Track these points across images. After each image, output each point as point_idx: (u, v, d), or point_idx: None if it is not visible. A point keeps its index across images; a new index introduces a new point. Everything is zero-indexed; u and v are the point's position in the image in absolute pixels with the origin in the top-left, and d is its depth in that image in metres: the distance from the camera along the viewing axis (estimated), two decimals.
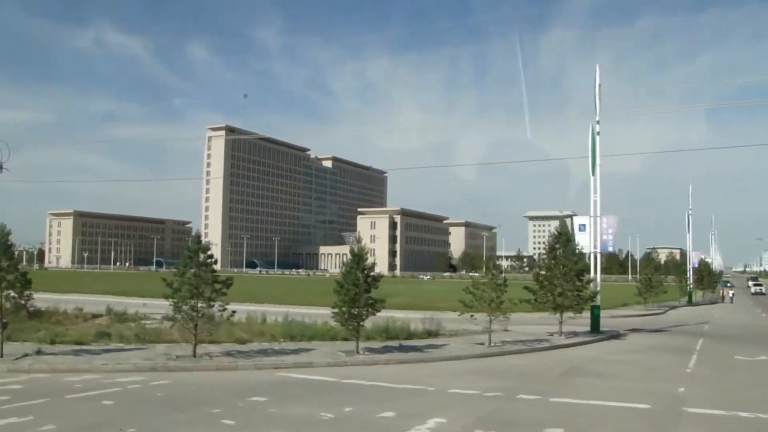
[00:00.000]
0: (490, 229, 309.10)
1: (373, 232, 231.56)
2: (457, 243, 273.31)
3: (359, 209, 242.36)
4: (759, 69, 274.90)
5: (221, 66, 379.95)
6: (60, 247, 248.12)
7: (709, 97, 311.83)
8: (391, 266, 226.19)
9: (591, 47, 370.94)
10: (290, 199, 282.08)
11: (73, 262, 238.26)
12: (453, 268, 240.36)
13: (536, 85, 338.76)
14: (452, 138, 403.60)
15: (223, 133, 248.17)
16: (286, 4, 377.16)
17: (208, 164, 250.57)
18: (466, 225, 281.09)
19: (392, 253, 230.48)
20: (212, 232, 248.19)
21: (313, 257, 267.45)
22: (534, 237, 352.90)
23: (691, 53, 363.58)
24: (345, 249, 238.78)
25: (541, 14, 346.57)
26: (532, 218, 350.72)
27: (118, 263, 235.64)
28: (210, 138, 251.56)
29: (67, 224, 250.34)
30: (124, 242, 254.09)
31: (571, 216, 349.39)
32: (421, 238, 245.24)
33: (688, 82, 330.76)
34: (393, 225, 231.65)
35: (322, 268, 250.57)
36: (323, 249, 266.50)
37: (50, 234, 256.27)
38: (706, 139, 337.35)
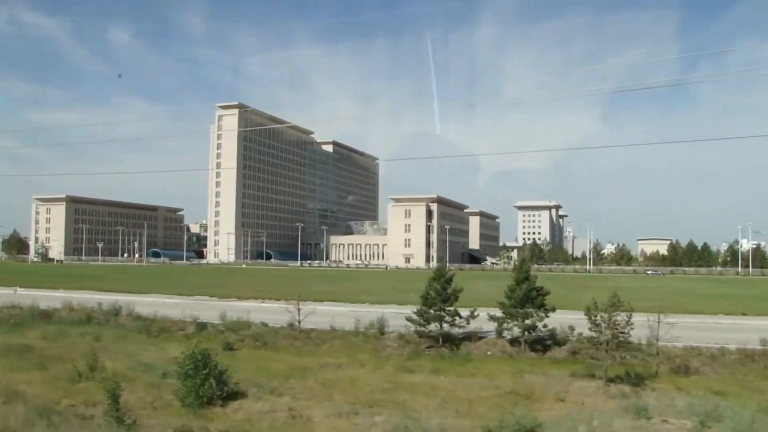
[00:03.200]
0: (494, 218, 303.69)
1: (408, 221, 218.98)
2: (472, 233, 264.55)
3: (391, 197, 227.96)
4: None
5: (144, 50, 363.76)
6: (50, 236, 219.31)
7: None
8: (428, 258, 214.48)
9: (510, 44, 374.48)
10: (296, 185, 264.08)
11: (68, 253, 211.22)
12: (476, 260, 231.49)
13: (458, 78, 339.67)
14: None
15: (236, 111, 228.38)
16: None
17: (218, 146, 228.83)
18: (480, 214, 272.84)
19: (428, 244, 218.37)
20: (224, 221, 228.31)
21: (322, 247, 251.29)
22: (524, 226, 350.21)
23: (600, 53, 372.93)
24: (359, 239, 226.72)
25: (463, 10, 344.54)
26: (521, 208, 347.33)
27: (126, 254, 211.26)
28: (221, 117, 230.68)
29: (59, 211, 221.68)
30: (117, 230, 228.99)
31: (557, 207, 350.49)
32: (449, 228, 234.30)
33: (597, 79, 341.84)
34: (428, 214, 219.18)
35: (335, 259, 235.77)
36: (334, 239, 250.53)
37: (37, 222, 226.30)
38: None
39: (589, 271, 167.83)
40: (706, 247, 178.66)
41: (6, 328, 33.19)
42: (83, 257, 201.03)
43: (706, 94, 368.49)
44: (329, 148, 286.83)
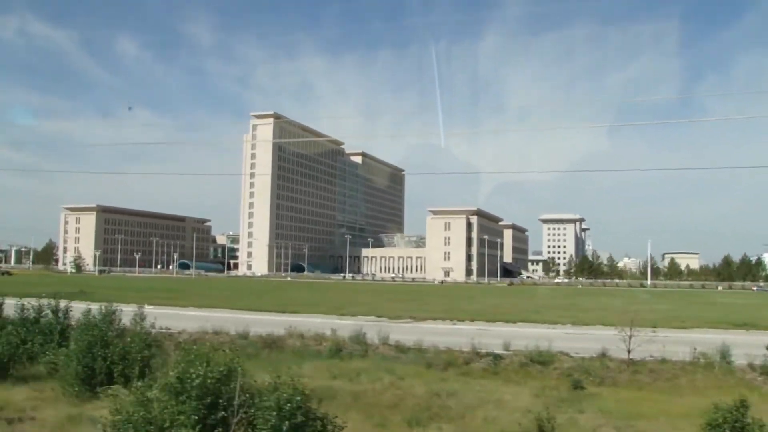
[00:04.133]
0: (523, 231, 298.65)
1: (447, 234, 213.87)
2: (505, 246, 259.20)
3: (430, 209, 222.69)
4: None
5: (150, 60, 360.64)
6: (79, 246, 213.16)
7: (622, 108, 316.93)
8: (468, 271, 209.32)
9: (516, 54, 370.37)
10: (327, 196, 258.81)
11: (97, 264, 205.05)
12: (510, 274, 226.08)
13: (463, 89, 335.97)
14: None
15: (271, 121, 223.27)
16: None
17: (253, 155, 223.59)
18: (513, 227, 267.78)
19: (468, 257, 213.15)
20: (258, 232, 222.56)
21: (354, 260, 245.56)
22: (549, 239, 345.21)
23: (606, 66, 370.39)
24: (391, 252, 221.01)
25: (468, 22, 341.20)
26: (546, 221, 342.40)
27: (159, 266, 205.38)
28: (255, 126, 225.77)
29: (89, 220, 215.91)
30: (148, 241, 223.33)
31: (581, 220, 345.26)
32: (489, 242, 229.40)
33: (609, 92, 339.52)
34: (468, 226, 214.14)
35: (366, 271, 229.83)
36: (366, 252, 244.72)
37: (66, 231, 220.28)
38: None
39: (645, 286, 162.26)
40: (760, 261, 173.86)
41: (254, 363, 27.42)
42: (117, 268, 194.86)
43: (710, 105, 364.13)
44: (358, 159, 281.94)
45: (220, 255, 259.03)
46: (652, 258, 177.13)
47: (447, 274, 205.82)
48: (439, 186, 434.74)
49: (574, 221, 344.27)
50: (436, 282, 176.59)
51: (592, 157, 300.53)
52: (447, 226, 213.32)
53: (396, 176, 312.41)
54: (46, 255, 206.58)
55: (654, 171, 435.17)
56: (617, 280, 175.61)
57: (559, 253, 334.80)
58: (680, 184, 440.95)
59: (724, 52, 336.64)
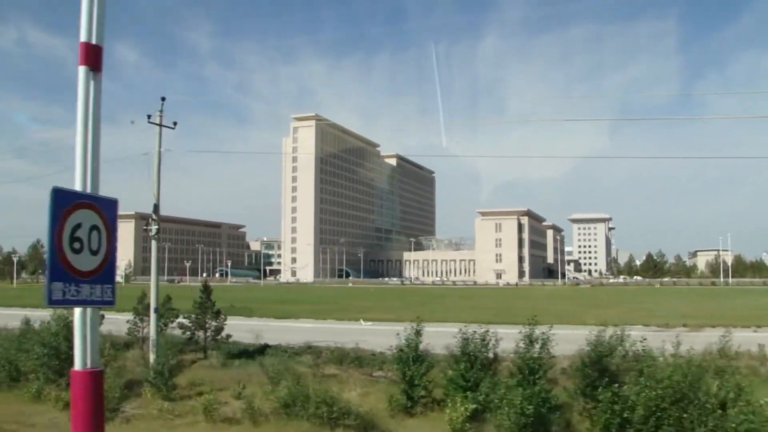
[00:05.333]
0: (560, 230, 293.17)
1: (499, 236, 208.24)
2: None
3: (478, 210, 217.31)
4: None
5: (149, 67, 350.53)
6: (118, 255, 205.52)
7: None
8: (520, 273, 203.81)
9: (517, 56, 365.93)
10: (365, 199, 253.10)
11: (136, 273, 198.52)
12: (552, 274, 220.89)
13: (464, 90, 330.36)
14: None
15: (312, 123, 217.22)
16: (215, 5, 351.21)
17: (294, 158, 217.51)
18: (554, 228, 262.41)
19: (520, 259, 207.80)
20: (302, 237, 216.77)
21: (395, 264, 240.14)
22: (579, 239, 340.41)
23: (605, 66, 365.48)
24: (434, 255, 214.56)
25: (467, 24, 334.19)
26: (575, 221, 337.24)
27: (204, 274, 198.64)
28: (296, 129, 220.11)
29: (127, 228, 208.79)
30: (188, 249, 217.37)
31: (609, 219, 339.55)
32: (535, 242, 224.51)
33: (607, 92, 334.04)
34: (519, 227, 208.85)
35: (409, 276, 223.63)
36: (407, 255, 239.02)
37: None
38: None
39: (717, 284, 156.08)
40: None
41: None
42: (164, 276, 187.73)
43: (711, 102, 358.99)
44: (392, 162, 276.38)
45: (254, 261, 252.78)
46: (715, 256, 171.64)
47: (499, 276, 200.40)
48: (445, 186, 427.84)
49: (603, 221, 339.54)
50: (500, 284, 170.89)
51: (598, 155, 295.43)
52: (498, 228, 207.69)
53: (427, 178, 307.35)
54: None
55: (665, 169, 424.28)
56: (686, 279, 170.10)
57: (589, 252, 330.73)
58: (692, 182, 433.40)
59: (724, 49, 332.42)
